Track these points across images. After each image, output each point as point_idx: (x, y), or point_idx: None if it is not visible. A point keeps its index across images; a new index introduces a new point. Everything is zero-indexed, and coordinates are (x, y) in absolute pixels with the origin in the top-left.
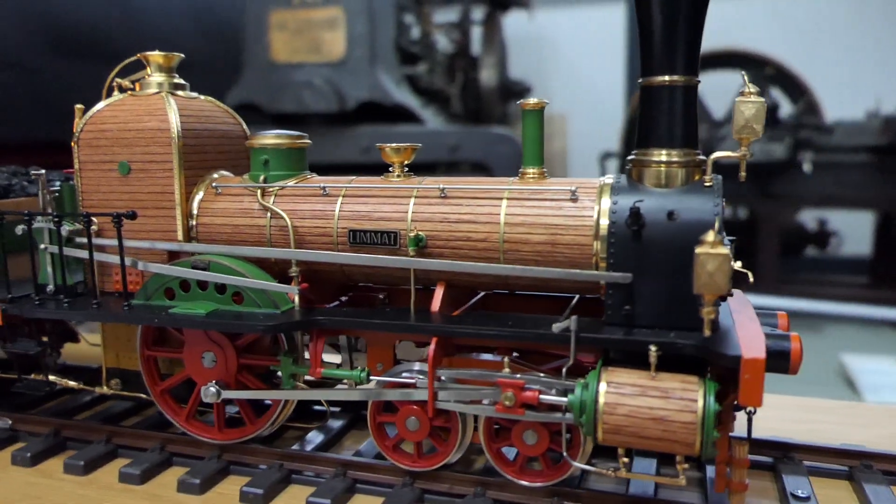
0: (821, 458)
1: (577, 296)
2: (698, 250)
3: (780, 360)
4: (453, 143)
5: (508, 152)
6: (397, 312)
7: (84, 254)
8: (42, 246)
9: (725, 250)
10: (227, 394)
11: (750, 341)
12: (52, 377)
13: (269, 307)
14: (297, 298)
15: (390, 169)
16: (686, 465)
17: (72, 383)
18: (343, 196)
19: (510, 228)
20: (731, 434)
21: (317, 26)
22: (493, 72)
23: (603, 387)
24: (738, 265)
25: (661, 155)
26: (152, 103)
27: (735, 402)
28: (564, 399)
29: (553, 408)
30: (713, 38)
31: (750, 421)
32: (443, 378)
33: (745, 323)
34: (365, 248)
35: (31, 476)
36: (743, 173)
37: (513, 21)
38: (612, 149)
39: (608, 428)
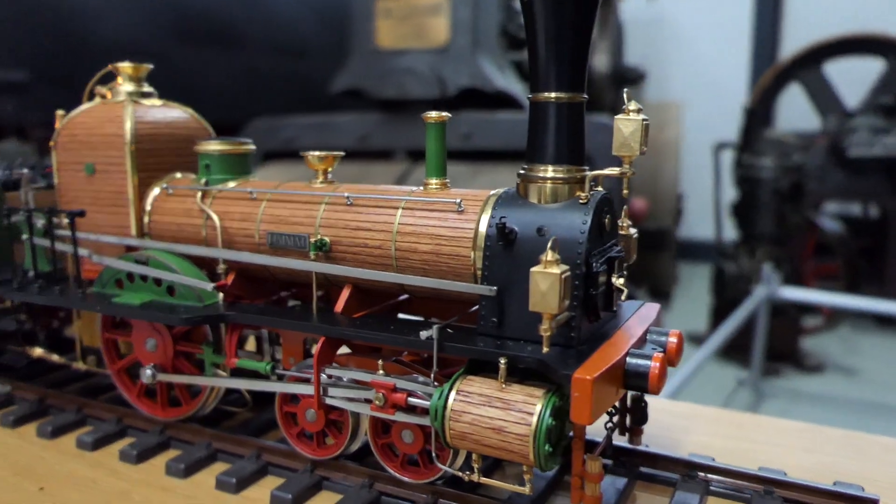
0: (726, 479)
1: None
2: (533, 269)
3: (637, 379)
4: None
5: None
6: (301, 312)
7: (49, 244)
8: (23, 236)
9: (558, 271)
10: (161, 377)
11: (595, 361)
12: (39, 351)
13: (195, 301)
14: (220, 294)
15: (315, 175)
16: (531, 475)
17: (55, 357)
18: (267, 200)
19: (401, 237)
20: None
21: (421, 12)
22: (606, 57)
23: (453, 395)
24: (619, 282)
25: (547, 171)
26: (114, 111)
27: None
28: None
29: (427, 410)
30: (847, 23)
31: (609, 437)
32: (329, 376)
33: (619, 340)
34: (281, 250)
35: (9, 437)
36: (626, 191)
37: (630, 3)
38: (729, 139)
39: (454, 434)
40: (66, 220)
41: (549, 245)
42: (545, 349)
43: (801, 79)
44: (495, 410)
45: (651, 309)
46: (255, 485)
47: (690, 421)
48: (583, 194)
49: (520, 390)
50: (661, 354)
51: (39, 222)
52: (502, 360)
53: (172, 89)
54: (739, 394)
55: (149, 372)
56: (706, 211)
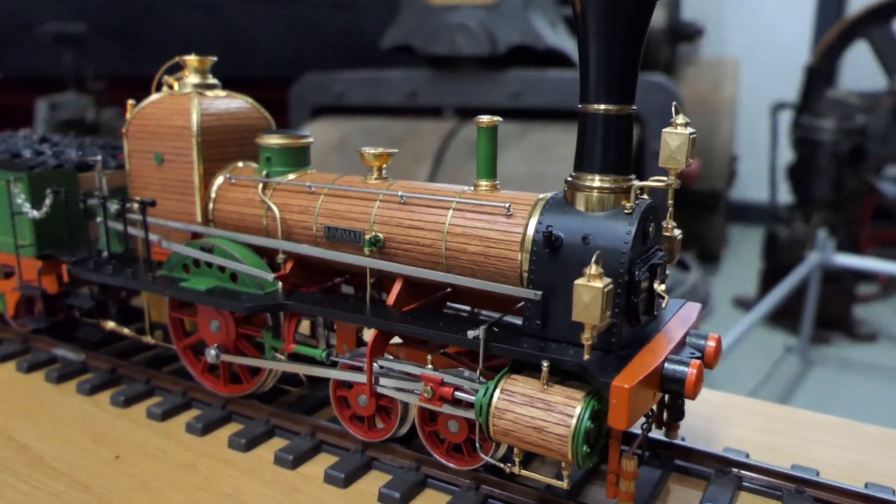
0: (758, 476)
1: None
2: (577, 282)
3: (673, 384)
4: None
5: (663, 101)
6: (355, 304)
7: (122, 228)
8: (98, 219)
9: (601, 284)
10: (225, 357)
11: (634, 368)
12: (111, 324)
13: (256, 289)
14: (280, 283)
15: (371, 171)
16: (569, 471)
17: (126, 331)
18: (325, 195)
19: (451, 238)
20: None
21: None
22: (662, 12)
23: (497, 393)
24: (661, 288)
25: (593, 180)
26: (181, 103)
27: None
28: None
29: (471, 404)
30: None
31: (644, 438)
32: (381, 366)
33: (658, 345)
34: (337, 244)
35: (85, 404)
36: (671, 201)
37: None
38: (788, 99)
39: (497, 430)
40: (137, 206)
41: (593, 259)
42: (586, 356)
43: (868, 36)
44: (537, 411)
45: (692, 309)
46: (310, 461)
47: (727, 412)
48: (628, 204)
49: (561, 392)
50: (698, 361)
51: (113, 207)
52: (545, 364)
53: (224, 43)
54: (787, 361)
55: (213, 352)
56: (760, 173)
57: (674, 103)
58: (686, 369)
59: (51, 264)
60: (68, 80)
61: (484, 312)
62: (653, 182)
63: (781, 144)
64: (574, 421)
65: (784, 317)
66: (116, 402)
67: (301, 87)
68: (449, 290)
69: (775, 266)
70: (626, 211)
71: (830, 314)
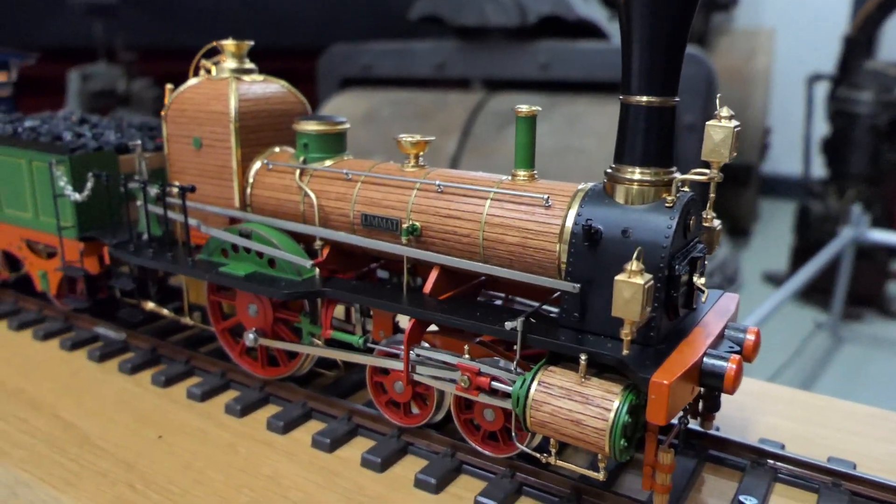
0: (794, 468)
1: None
2: (617, 278)
3: (713, 379)
4: None
5: (695, 74)
6: (392, 292)
7: (162, 212)
8: (138, 203)
9: (641, 281)
10: (263, 341)
11: (672, 363)
12: (151, 305)
13: (293, 275)
14: (317, 270)
15: (407, 159)
16: (605, 462)
17: (165, 312)
18: (362, 182)
19: (489, 228)
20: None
21: None
22: None
23: (535, 385)
24: (701, 282)
25: (633, 173)
26: (219, 88)
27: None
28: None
29: (507, 394)
30: None
31: (680, 430)
32: (417, 354)
33: (696, 339)
34: (374, 231)
35: (127, 383)
36: (712, 195)
37: None
38: (824, 71)
39: (534, 422)
40: (177, 192)
41: (634, 255)
42: (625, 351)
43: None
44: (574, 404)
45: (730, 300)
46: (347, 445)
47: (762, 401)
48: (669, 197)
49: (598, 385)
50: (737, 356)
51: (153, 191)
52: (583, 357)
53: (252, 14)
54: (816, 337)
55: (252, 336)
56: (794, 146)
57: (718, 95)
58: (725, 364)
59: (92, 246)
60: (99, 50)
61: (519, 300)
62: (695, 175)
63: (816, 117)
64: (612, 415)
65: (815, 293)
66: (157, 382)
67: (329, 58)
68: (484, 277)
69: (807, 241)
70: (667, 204)
71: (863, 290)
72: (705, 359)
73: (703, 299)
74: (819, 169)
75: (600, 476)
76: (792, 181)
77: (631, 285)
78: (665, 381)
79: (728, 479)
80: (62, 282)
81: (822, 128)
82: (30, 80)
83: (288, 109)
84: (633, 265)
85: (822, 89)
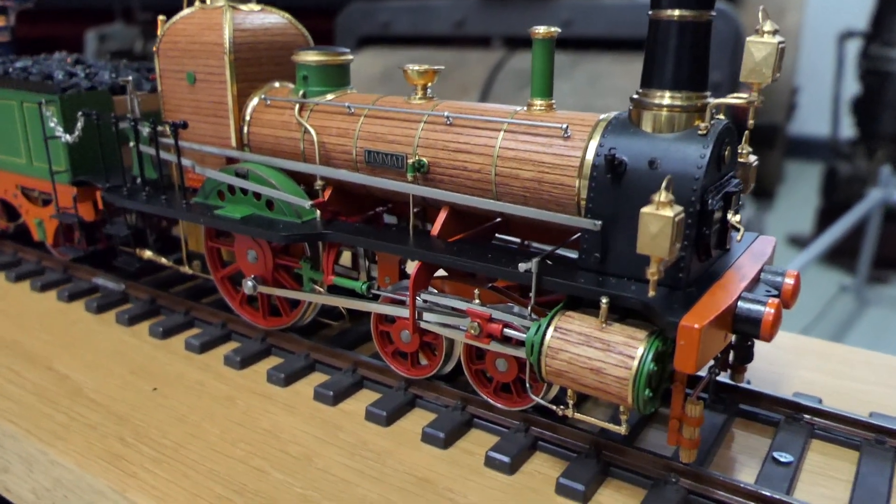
0: (833, 423)
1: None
2: (643, 210)
3: (748, 325)
4: None
5: (725, 30)
6: (398, 234)
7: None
8: (130, 144)
9: (671, 213)
10: (262, 289)
11: (704, 306)
12: (149, 253)
13: (293, 217)
14: (318, 211)
15: (414, 91)
16: (628, 415)
17: (164, 260)
18: (365, 116)
19: (502, 162)
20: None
21: None
22: None
23: (551, 331)
24: (735, 219)
25: (663, 97)
26: (213, 18)
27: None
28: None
29: (521, 342)
30: None
31: (709, 382)
32: (424, 300)
33: (730, 282)
34: (378, 169)
35: (124, 335)
36: (751, 121)
37: None
38: (856, 28)
39: (550, 370)
40: (168, 129)
41: (663, 184)
42: (651, 293)
43: None
44: (594, 351)
45: (766, 243)
46: (351, 398)
47: (796, 355)
48: (702, 124)
49: (621, 331)
50: (776, 300)
51: (145, 130)
52: (604, 300)
53: None
54: (841, 300)
55: (250, 283)
56: (822, 106)
57: (761, 7)
58: (763, 309)
59: (86, 191)
60: (116, 11)
61: (535, 245)
62: (732, 99)
63: (847, 76)
64: (636, 363)
65: (840, 255)
66: (155, 334)
67: (347, 16)
68: (498, 220)
69: (833, 203)
70: (699, 132)
71: (890, 253)
72: (740, 303)
73: (739, 238)
74: (847, 129)
75: (622, 430)
76: (818, 142)
77: (659, 218)
78: (696, 326)
79: (760, 434)
80: (59, 230)
81: (852, 87)
82: (48, 40)
83: (288, 42)
84: (662, 196)
85: (853, 47)
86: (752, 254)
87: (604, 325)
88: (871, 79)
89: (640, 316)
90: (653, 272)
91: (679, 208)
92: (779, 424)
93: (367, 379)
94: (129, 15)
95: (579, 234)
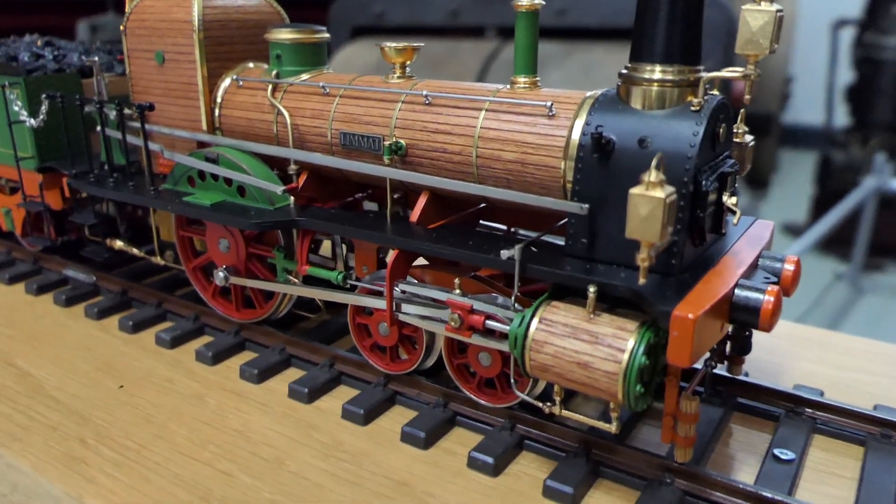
0: (836, 417)
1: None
2: (632, 191)
3: (746, 314)
4: None
5: (716, 19)
6: (375, 221)
7: (121, 136)
8: (97, 128)
9: (662, 194)
10: (234, 280)
11: (699, 294)
12: (119, 244)
13: (266, 203)
14: (291, 197)
15: (392, 70)
16: (618, 412)
17: (135, 251)
18: (340, 96)
19: (483, 143)
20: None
21: None
22: None
23: (535, 323)
24: (732, 201)
25: (653, 72)
26: None
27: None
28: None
29: (505, 335)
30: None
31: (705, 375)
32: (402, 290)
33: (726, 268)
34: (354, 152)
35: (93, 329)
36: (748, 96)
37: None
38: (850, 16)
39: (535, 365)
40: (135, 112)
41: (653, 163)
42: (642, 280)
43: None
44: (581, 344)
45: (764, 228)
46: (328, 395)
47: (795, 344)
48: (695, 100)
49: (610, 322)
50: (775, 287)
51: (112, 113)
52: (591, 288)
53: None
54: (836, 288)
55: (221, 274)
56: (816, 94)
57: None
58: (761, 297)
59: (53, 178)
60: (108, 1)
61: (521, 232)
62: (728, 72)
63: (841, 64)
64: (626, 356)
65: (834, 244)
66: (125, 328)
67: (340, 6)
68: (482, 205)
69: (828, 191)
70: (692, 108)
71: (885, 241)
72: (737, 290)
73: (735, 222)
74: (841, 118)
75: (612, 428)
76: (812, 131)
77: (649, 199)
78: (690, 315)
79: (759, 430)
80: (27, 219)
81: (846, 75)
82: (41, 30)
83: (263, 20)
84: (652, 175)
85: (847, 35)
86: (749, 239)
87: (592, 316)
88: (865, 67)
89: (631, 306)
90: (643, 258)
91: (671, 189)
92: (779, 419)
93: (345, 374)
94: (121, 5)
95: (566, 219)
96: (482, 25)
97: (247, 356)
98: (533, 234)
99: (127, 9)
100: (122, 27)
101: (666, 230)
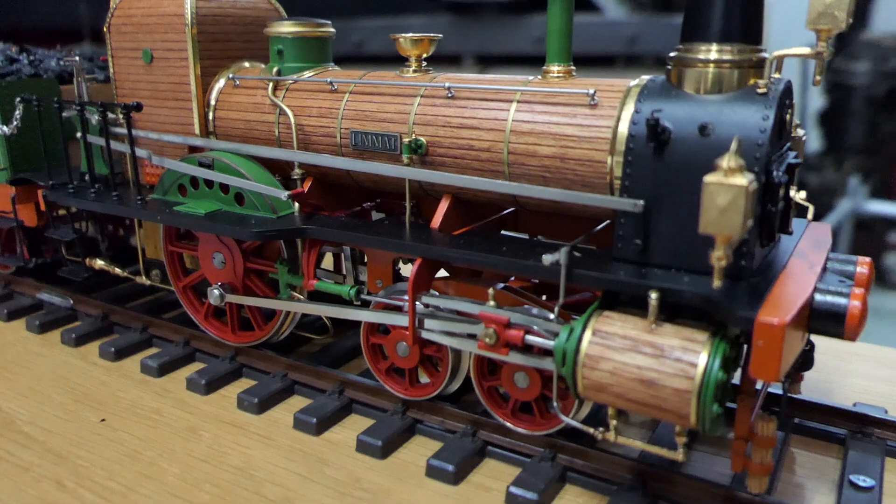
0: None
1: (606, 222)
2: (707, 178)
3: (828, 322)
4: (630, 34)
5: None
6: (392, 227)
7: (105, 143)
8: (77, 134)
9: (744, 181)
10: (230, 298)
11: (780, 298)
12: (100, 263)
13: (267, 212)
14: (296, 204)
15: (406, 63)
16: (685, 438)
17: (117, 270)
18: (350, 93)
19: (516, 138)
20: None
21: None
22: None
23: (588, 335)
24: (800, 196)
25: (709, 52)
26: None
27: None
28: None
29: (547, 351)
30: None
31: (785, 391)
32: (425, 304)
33: (798, 271)
34: (367, 153)
35: (70, 357)
36: (819, 77)
37: None
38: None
39: (589, 384)
40: (121, 116)
41: (732, 146)
42: (717, 282)
43: None
44: (644, 358)
45: (821, 230)
46: (339, 425)
47: (842, 360)
48: (761, 81)
49: (675, 333)
50: (860, 290)
51: (94, 118)
52: (653, 295)
53: None
54: None
55: (216, 292)
56: None
57: None
58: (845, 301)
59: (27, 191)
60: (85, 31)
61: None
62: (796, 51)
63: (812, 90)
64: (699, 371)
65: None
66: (106, 355)
67: None
68: (509, 211)
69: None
70: (759, 90)
71: None
72: (817, 295)
73: (809, 216)
74: (815, 142)
75: (679, 456)
76: None
77: (728, 188)
78: (778, 321)
79: (824, 453)
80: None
81: (817, 101)
82: None
83: (260, 16)
84: (731, 160)
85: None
86: (810, 240)
87: (653, 326)
88: (836, 91)
89: (692, 315)
90: (719, 256)
91: (751, 175)
92: (845, 441)
93: (357, 402)
94: (97, 36)
95: (605, 222)
96: (460, 53)
97: (244, 384)
98: (561, 244)
99: (112, 4)
100: (105, 26)
101: (747, 223)
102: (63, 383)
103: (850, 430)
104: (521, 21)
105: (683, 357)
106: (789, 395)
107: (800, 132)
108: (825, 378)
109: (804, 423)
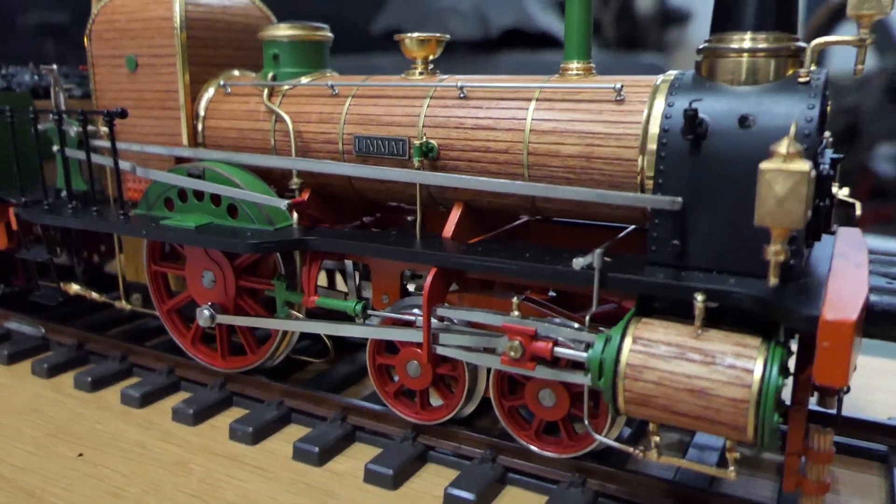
0: None
1: (632, 226)
2: (764, 165)
3: (887, 324)
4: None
5: None
6: (400, 237)
7: (85, 156)
8: (54, 148)
9: (804, 166)
10: (221, 318)
11: (840, 296)
12: (76, 287)
13: (263, 223)
14: (295, 215)
15: (412, 65)
16: (738, 455)
17: (94, 295)
18: (353, 97)
19: (537, 137)
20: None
21: None
22: None
23: (628, 343)
24: (843, 193)
25: (743, 41)
26: None
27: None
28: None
29: (576, 364)
30: None
31: (840, 400)
32: (441, 317)
33: (846, 271)
34: (372, 159)
35: (42, 388)
36: (861, 66)
37: None
38: None
39: (632, 397)
40: (103, 128)
41: (791, 130)
42: (773, 280)
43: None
44: (694, 366)
45: (852, 233)
46: (343, 455)
47: (866, 376)
48: (803, 71)
49: (724, 338)
50: None
51: (72, 130)
52: (699, 297)
53: None
54: None
55: (206, 313)
56: None
57: None
58: None
59: None
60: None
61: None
62: (838, 38)
63: None
64: (755, 378)
65: None
66: (82, 385)
67: None
68: (518, 221)
69: None
70: (800, 79)
71: None
72: (873, 296)
73: (858, 212)
74: None
75: (731, 475)
76: None
77: (789, 174)
78: (846, 319)
79: (865, 471)
80: None
81: None
82: None
83: (252, 24)
84: (790, 145)
85: None
86: (846, 242)
87: (699, 332)
88: None
89: (737, 320)
90: (777, 251)
91: (810, 162)
92: (887, 458)
93: (362, 429)
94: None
95: (631, 227)
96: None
97: (236, 413)
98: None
99: (93, 10)
100: (86, 33)
101: (807, 213)
102: (35, 416)
103: (890, 445)
104: (491, 58)
105: (737, 363)
106: (825, 409)
107: (826, 134)
108: (850, 394)
109: (842, 440)
